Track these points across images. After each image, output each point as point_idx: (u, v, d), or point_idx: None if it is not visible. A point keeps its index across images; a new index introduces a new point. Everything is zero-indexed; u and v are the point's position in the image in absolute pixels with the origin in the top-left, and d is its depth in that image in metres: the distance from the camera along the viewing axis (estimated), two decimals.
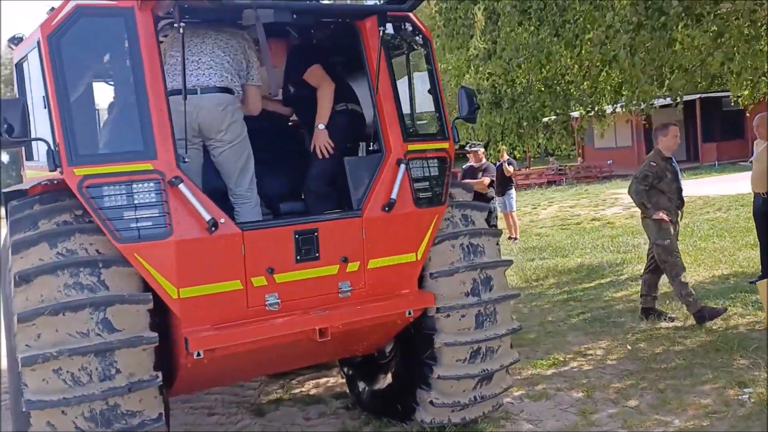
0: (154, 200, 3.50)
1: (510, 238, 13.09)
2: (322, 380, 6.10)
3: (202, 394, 5.93)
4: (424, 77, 4.54)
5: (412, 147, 4.20)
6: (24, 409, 3.27)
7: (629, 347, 6.16)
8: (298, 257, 3.82)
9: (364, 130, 4.49)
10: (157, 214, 3.50)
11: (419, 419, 4.50)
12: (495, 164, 12.63)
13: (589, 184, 24.27)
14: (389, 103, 4.17)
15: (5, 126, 3.36)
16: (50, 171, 3.50)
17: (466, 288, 4.28)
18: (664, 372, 5.46)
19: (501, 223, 13.63)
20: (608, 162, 27.83)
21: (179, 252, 3.51)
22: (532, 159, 29.50)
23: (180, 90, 3.68)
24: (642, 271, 7.37)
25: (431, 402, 4.36)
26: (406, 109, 4.56)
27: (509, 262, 4.60)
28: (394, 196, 4.01)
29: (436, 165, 4.29)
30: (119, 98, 3.73)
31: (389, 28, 4.26)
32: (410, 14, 4.32)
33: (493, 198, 10.15)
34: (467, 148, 10.52)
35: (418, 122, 4.74)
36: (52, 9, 3.66)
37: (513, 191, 13.09)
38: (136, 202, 3.47)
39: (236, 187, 4.07)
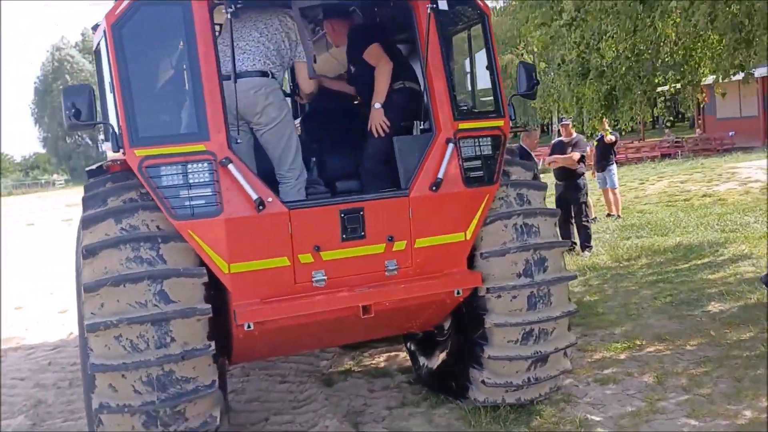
0: (206, 180, 3.69)
1: (609, 215, 12.63)
2: (393, 354, 6.21)
3: (278, 362, 6.23)
4: (481, 54, 4.47)
5: (463, 125, 4.17)
6: (89, 372, 3.59)
7: (713, 333, 5.85)
8: (344, 236, 3.92)
9: (422, 109, 4.49)
10: (209, 193, 3.69)
11: (472, 398, 4.52)
12: (598, 136, 12.13)
13: (707, 158, 22.79)
14: (440, 81, 4.15)
15: (73, 110, 3.64)
16: (113, 152, 3.77)
17: (518, 269, 4.22)
18: (746, 360, 5.16)
19: (596, 200, 13.17)
20: (730, 133, 26.01)
21: (229, 229, 3.69)
22: (646, 131, 28.02)
23: (224, 75, 3.84)
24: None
25: (483, 381, 4.37)
26: (462, 87, 4.52)
27: (566, 243, 4.49)
28: (440, 175, 4.01)
29: (489, 143, 4.24)
30: (176, 83, 3.93)
31: (444, 5, 4.21)
32: None
33: (583, 174, 9.79)
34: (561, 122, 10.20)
35: (474, 100, 4.68)
36: None
37: (614, 167, 12.55)
38: (190, 181, 3.68)
39: (278, 167, 4.20)
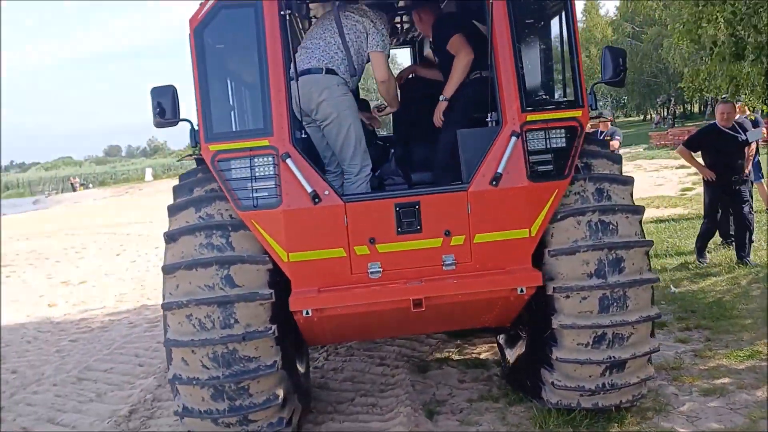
0: (269, 173, 3.91)
1: None
2: (495, 345, 6.13)
3: (384, 345, 6.41)
4: (563, 41, 4.25)
5: (533, 117, 4.00)
6: (165, 346, 3.99)
7: None
8: (400, 229, 3.95)
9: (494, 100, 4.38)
10: (271, 186, 3.91)
11: (545, 399, 4.37)
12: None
13: None
14: (508, 71, 4.01)
15: (158, 109, 4.03)
16: (191, 147, 4.11)
17: (590, 269, 3.99)
18: None
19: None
20: None
21: (287, 220, 3.88)
22: None
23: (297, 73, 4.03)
24: None
25: (553, 383, 4.21)
26: (541, 75, 4.33)
27: (649, 243, 4.14)
28: (500, 169, 3.89)
29: (563, 135, 4.03)
30: (247, 82, 4.18)
31: None
32: None
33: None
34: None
35: (552, 89, 4.45)
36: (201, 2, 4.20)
37: None
38: (255, 174, 3.92)
39: (341, 162, 4.31)
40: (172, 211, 4.18)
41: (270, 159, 3.92)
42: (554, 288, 4.03)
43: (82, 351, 7.29)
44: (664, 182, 18.50)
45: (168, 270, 3.97)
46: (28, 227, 24.10)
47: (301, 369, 4.96)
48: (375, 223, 3.95)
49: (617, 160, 4.36)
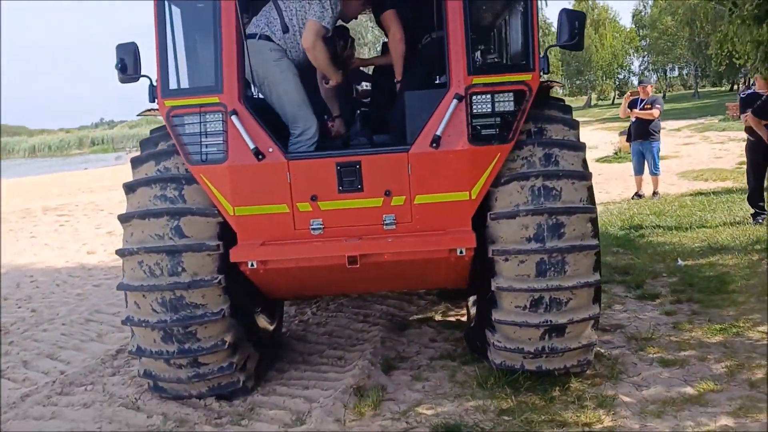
0: (218, 129, 4.07)
1: None
2: None
3: (374, 303, 6.56)
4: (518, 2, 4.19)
5: (479, 80, 3.99)
6: (118, 289, 4.25)
7: None
8: (341, 187, 4.05)
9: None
10: (219, 142, 4.07)
11: (491, 359, 4.43)
12: None
13: None
14: (456, 33, 3.99)
15: (120, 65, 4.23)
16: (149, 102, 4.30)
17: (529, 233, 3.99)
18: None
19: None
20: None
21: (232, 175, 4.04)
22: None
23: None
24: None
25: (494, 344, 4.27)
26: (487, 37, 4.29)
27: (590, 210, 4.08)
28: (439, 132, 3.92)
29: (510, 99, 4.00)
30: (202, 43, 4.32)
31: None
32: None
33: None
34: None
35: (503, 52, 4.40)
36: None
37: None
38: (205, 130, 4.09)
39: (288, 123, 4.41)
40: (135, 163, 4.41)
41: (219, 116, 4.07)
42: (494, 251, 4.06)
43: (99, 295, 7.76)
44: (724, 155, 17.76)
45: (124, 219, 4.22)
46: (99, 181, 25.34)
47: (268, 322, 5.18)
48: (317, 181, 4.06)
49: (573, 125, 4.30)
